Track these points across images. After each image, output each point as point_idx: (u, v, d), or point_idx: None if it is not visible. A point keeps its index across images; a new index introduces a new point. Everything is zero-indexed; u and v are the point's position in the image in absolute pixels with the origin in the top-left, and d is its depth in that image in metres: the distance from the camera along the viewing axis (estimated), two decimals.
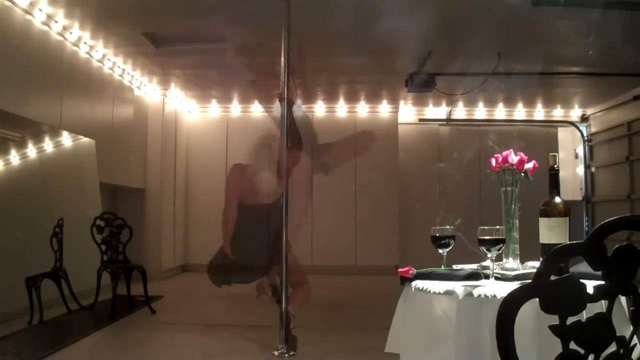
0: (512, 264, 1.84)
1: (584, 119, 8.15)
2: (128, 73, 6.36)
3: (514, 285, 1.28)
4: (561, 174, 1.83)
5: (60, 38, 4.91)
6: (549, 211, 1.75)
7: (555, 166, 1.79)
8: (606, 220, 0.98)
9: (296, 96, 7.49)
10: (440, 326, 1.57)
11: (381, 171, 7.89)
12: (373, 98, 7.71)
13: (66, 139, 5.19)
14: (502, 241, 1.67)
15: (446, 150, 8.25)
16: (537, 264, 1.77)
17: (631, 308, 1.02)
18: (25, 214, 4.51)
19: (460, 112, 8.25)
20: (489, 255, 1.66)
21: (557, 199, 1.76)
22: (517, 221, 1.85)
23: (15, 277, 4.00)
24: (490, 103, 7.93)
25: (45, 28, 4.66)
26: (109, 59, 5.83)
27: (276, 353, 3.35)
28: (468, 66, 5.52)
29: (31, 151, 4.75)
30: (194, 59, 5.94)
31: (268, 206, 3.87)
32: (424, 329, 1.64)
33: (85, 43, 5.27)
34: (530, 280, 0.99)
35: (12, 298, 4.01)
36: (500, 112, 8.21)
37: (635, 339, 1.05)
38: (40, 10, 4.46)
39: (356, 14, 4.37)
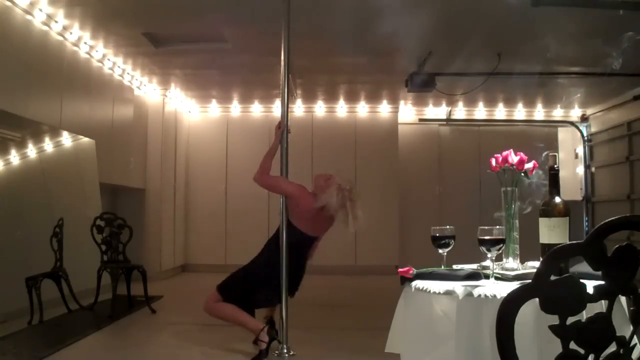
0: (512, 264, 1.84)
1: (584, 119, 8.15)
2: (128, 73, 6.36)
3: (514, 285, 1.28)
4: (561, 174, 1.83)
5: (60, 38, 4.91)
6: (549, 211, 1.75)
7: (555, 166, 1.79)
8: (606, 220, 0.98)
9: (296, 96, 7.54)
10: (440, 326, 1.58)
11: (381, 171, 7.89)
12: (373, 98, 7.72)
13: (66, 139, 5.19)
14: (502, 241, 1.67)
15: (446, 150, 8.26)
16: (537, 264, 1.77)
17: (631, 308, 1.02)
18: (25, 214, 4.51)
19: (460, 112, 8.25)
20: (489, 255, 1.66)
21: (557, 199, 1.76)
22: (517, 221, 1.85)
23: (15, 277, 4.00)
24: (490, 103, 7.94)
25: (45, 28, 4.66)
26: (109, 59, 5.84)
27: (276, 353, 3.35)
28: (468, 66, 5.52)
29: (31, 151, 4.75)
30: (194, 59, 5.94)
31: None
32: (424, 329, 1.64)
33: (85, 43, 5.27)
34: (530, 280, 0.99)
35: (12, 298, 4.01)
36: (500, 112, 8.21)
37: (635, 339, 1.05)
38: (40, 10, 4.46)
39: (356, 14, 4.37)
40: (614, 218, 0.99)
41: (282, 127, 3.53)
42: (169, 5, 4.43)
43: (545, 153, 1.80)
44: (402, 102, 7.95)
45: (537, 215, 1.78)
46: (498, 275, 1.68)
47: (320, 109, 8.07)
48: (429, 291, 1.63)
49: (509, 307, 0.99)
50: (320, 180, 3.50)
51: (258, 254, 3.57)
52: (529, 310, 1.09)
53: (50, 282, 4.23)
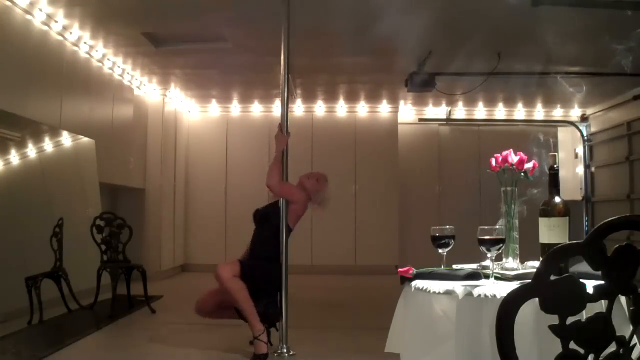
0: (512, 264, 1.84)
1: (584, 119, 8.15)
2: (128, 73, 6.36)
3: (514, 285, 1.28)
4: (561, 174, 1.83)
5: (60, 38, 4.91)
6: (549, 211, 1.75)
7: (555, 166, 1.79)
8: (606, 220, 0.98)
9: (296, 96, 7.54)
10: (440, 326, 1.57)
11: (381, 171, 7.89)
12: (373, 98, 7.72)
13: (66, 139, 5.19)
14: (502, 241, 1.67)
15: (446, 150, 8.26)
16: (537, 264, 1.77)
17: (631, 308, 1.02)
18: (25, 214, 4.51)
19: (460, 112, 8.25)
20: (489, 255, 1.66)
21: (557, 199, 1.76)
22: (517, 221, 1.85)
23: (15, 277, 4.00)
24: (490, 103, 7.93)
25: (45, 28, 4.66)
26: (109, 59, 5.84)
27: (276, 354, 3.35)
28: (468, 66, 5.52)
29: (31, 151, 4.75)
30: (194, 59, 5.94)
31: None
32: (424, 329, 1.64)
33: (85, 43, 5.27)
34: (530, 280, 0.99)
35: (12, 298, 4.01)
36: (500, 112, 8.21)
37: (635, 339, 1.05)
38: (40, 10, 4.46)
39: (356, 14, 4.37)
40: (614, 218, 0.99)
41: (285, 134, 3.61)
42: (169, 5, 4.43)
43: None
44: (402, 102, 7.95)
45: (537, 215, 1.78)
46: (498, 275, 1.68)
47: (320, 109, 8.07)
48: (429, 291, 1.63)
49: (509, 307, 0.99)
50: (313, 181, 3.70)
51: (273, 254, 3.57)
52: (529, 310, 1.09)
53: (50, 282, 4.23)
